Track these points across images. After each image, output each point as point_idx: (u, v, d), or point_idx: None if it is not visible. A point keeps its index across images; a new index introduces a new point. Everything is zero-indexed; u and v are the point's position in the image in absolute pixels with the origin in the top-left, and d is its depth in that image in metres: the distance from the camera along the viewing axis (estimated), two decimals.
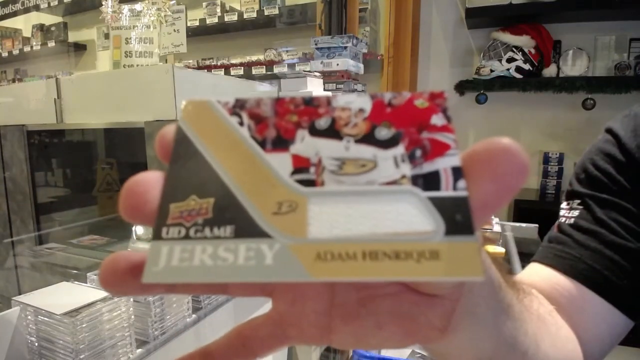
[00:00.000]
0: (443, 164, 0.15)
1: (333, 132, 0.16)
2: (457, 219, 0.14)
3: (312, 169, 0.15)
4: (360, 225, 0.14)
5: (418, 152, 0.15)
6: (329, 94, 1.43)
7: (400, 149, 0.15)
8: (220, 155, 0.16)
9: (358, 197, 0.15)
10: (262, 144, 0.16)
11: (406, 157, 0.15)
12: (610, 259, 0.41)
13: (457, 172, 0.15)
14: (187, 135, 0.16)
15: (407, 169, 0.15)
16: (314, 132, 0.16)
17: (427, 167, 0.15)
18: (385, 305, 0.19)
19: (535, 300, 0.35)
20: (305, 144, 0.16)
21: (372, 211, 0.14)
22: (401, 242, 0.14)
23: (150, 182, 0.15)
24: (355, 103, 0.17)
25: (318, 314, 0.19)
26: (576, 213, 0.45)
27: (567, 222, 0.45)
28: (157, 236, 0.14)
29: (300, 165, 0.15)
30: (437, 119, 0.16)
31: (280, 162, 0.15)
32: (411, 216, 0.14)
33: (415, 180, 0.15)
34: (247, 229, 0.14)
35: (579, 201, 0.45)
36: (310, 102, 0.17)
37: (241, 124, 0.16)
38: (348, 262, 0.13)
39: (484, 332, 0.22)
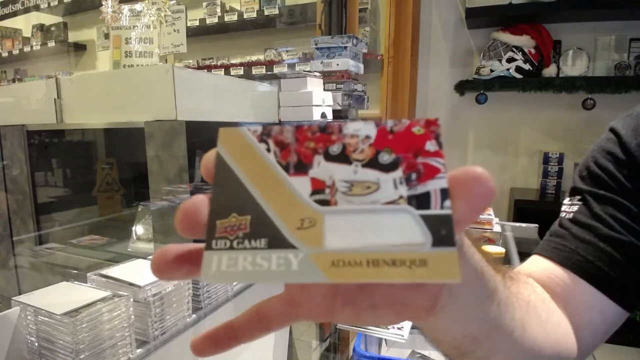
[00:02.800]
0: (433, 186, 0.18)
1: (344, 157, 0.19)
2: (442, 233, 0.17)
3: (327, 190, 0.19)
4: (366, 238, 0.18)
5: (413, 176, 0.19)
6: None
7: (399, 173, 0.19)
8: (253, 178, 0.19)
9: (364, 215, 0.18)
10: (286, 168, 0.19)
11: (403, 180, 0.19)
12: (604, 251, 0.43)
13: (444, 193, 0.18)
14: (225, 161, 0.20)
15: (404, 190, 0.18)
16: (328, 157, 0.19)
17: (420, 189, 0.18)
18: (379, 290, 0.22)
19: (527, 287, 0.38)
20: (321, 169, 0.19)
21: (375, 226, 0.18)
22: (397, 252, 0.17)
23: (200, 204, 0.19)
24: (362, 130, 0.20)
25: (323, 297, 0.23)
26: (575, 208, 0.47)
27: (567, 216, 0.48)
28: (208, 247, 0.18)
29: (318, 187, 0.19)
30: (430, 145, 0.19)
31: (302, 185, 0.19)
32: (406, 230, 0.18)
33: (410, 200, 0.18)
34: (277, 241, 0.18)
35: (579, 197, 0.47)
36: (324, 130, 0.20)
37: (268, 150, 0.20)
38: (356, 268, 0.17)
39: (467, 313, 0.26)
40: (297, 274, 0.17)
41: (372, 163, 0.19)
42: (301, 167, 0.19)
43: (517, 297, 0.31)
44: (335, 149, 0.20)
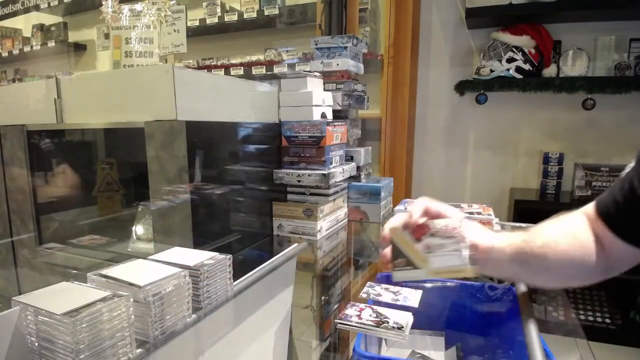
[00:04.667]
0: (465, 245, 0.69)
1: (434, 235, 0.70)
2: (472, 260, 0.69)
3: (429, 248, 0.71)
4: (444, 263, 0.69)
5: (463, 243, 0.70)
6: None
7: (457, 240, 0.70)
8: (403, 245, 0.71)
9: (443, 253, 0.69)
10: (415, 240, 0.71)
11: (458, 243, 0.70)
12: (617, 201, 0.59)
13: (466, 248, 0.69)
14: (394, 239, 0.72)
15: (458, 246, 0.69)
16: (429, 236, 0.71)
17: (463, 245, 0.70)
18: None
19: (561, 218, 0.68)
20: (426, 239, 0.70)
21: (448, 259, 0.69)
22: (454, 267, 0.69)
23: (388, 253, 0.72)
24: (442, 222, 0.72)
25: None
26: (628, 169, 0.61)
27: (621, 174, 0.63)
28: (393, 268, 0.73)
29: (427, 247, 0.71)
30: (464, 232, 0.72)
31: (420, 246, 0.70)
32: (459, 259, 0.68)
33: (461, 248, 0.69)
34: (414, 266, 0.71)
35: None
36: (427, 226, 0.71)
37: (410, 234, 0.71)
38: (444, 274, 0.70)
39: (501, 269, 0.70)
40: (422, 276, 0.70)
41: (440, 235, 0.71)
42: (419, 240, 0.70)
43: (548, 245, 0.63)
44: (431, 233, 0.70)
